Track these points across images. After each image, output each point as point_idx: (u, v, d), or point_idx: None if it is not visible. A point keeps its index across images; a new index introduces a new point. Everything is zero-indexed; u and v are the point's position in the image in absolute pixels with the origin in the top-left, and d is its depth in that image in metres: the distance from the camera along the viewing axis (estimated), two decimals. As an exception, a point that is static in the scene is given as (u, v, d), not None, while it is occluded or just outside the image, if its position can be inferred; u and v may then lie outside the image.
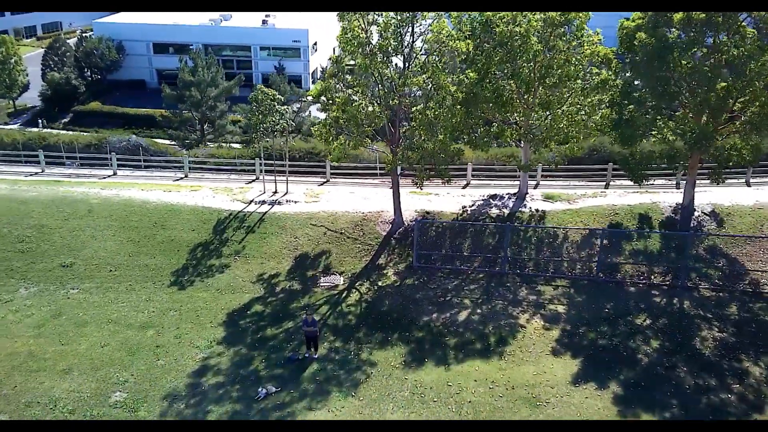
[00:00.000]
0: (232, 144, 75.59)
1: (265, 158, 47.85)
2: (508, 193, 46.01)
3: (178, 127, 78.83)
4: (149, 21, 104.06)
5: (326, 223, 42.71)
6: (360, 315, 36.04)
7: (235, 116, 77.07)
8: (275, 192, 46.04)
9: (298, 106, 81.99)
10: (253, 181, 48.83)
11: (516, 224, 42.11)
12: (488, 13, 40.18)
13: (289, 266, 39.70)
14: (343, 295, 37.79)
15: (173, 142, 77.08)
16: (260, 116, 43.23)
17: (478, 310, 36.25)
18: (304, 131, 77.37)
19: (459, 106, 39.14)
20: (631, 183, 43.05)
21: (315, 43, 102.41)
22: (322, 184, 48.62)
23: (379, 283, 38.57)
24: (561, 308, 36.39)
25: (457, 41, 37.66)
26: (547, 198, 45.04)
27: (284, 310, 36.31)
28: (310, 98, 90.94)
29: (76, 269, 38.96)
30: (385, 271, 39.50)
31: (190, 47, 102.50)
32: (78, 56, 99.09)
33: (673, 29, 38.05)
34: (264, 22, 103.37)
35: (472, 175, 49.23)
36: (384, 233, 42.11)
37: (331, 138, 40.41)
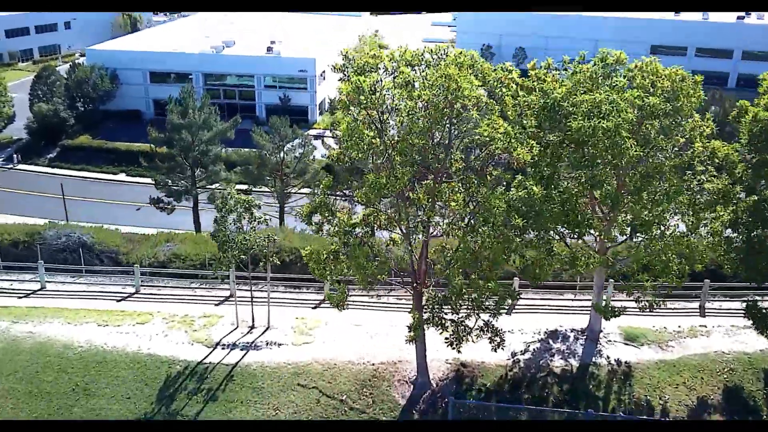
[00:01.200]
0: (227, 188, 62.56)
1: (240, 265, 32.93)
2: (572, 329, 31.02)
3: (166, 173, 64.82)
4: (146, 48, 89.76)
5: (321, 382, 27.94)
6: None
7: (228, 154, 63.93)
8: (252, 327, 31.15)
9: (301, 151, 67.64)
10: (224, 301, 33.77)
11: (596, 402, 27.25)
12: (556, 94, 25.34)
13: (264, 463, 25.11)
14: None
15: (161, 191, 63.34)
16: (226, 233, 28.36)
17: None
18: (309, 180, 63.50)
19: (516, 237, 24.35)
20: (734, 303, 28.38)
21: (323, 72, 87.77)
22: (317, 306, 33.55)
23: (396, 500, 23.94)
24: None
25: (517, 146, 22.76)
26: (629, 339, 30.07)
27: None
28: (312, 133, 76.88)
29: (-54, 474, 24.46)
30: (404, 473, 24.87)
31: (189, 76, 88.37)
32: (69, 85, 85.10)
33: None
34: (269, 49, 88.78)
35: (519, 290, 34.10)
36: (403, 400, 27.37)
37: (329, 274, 25.73)
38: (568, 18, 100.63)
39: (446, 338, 25.48)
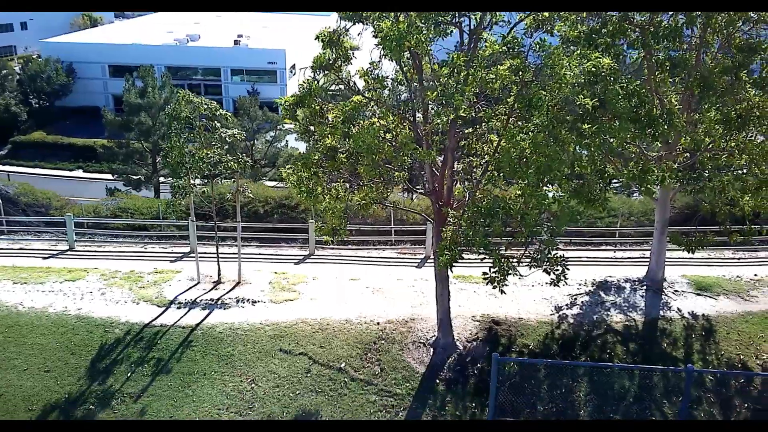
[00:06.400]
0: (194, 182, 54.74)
1: (202, 215, 25.18)
2: (627, 278, 23.66)
3: (124, 160, 56.71)
4: (105, 40, 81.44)
5: (311, 347, 20.12)
6: None
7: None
8: (218, 282, 23.25)
9: (273, 134, 60.15)
10: (184, 257, 25.97)
11: (675, 364, 19.81)
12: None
13: (236, 453, 17.14)
14: None
15: (118, 178, 55.32)
16: (179, 149, 20.53)
17: None
18: (280, 164, 55.92)
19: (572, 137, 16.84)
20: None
21: (293, 66, 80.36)
22: (300, 261, 25.76)
23: (425, 499, 16.12)
24: None
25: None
26: (701, 288, 22.86)
27: None
28: (287, 126, 69.78)
29: None
30: (431, 462, 17.06)
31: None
32: (22, 80, 76.70)
33: None
34: (236, 42, 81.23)
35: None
36: (421, 367, 19.60)
37: (319, 190, 18.10)
38: None
39: (485, 274, 17.77)
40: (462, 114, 15.01)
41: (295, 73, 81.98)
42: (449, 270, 17.03)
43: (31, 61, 78.92)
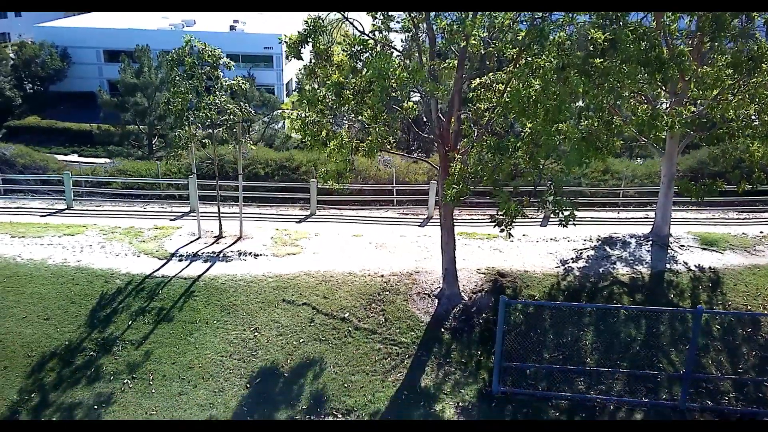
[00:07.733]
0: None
1: (202, 176, 25.02)
2: (632, 234, 23.47)
3: (119, 142, 56.68)
4: (99, 25, 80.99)
5: (314, 297, 19.87)
6: None
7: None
8: (219, 236, 22.98)
9: (269, 116, 59.83)
10: (184, 216, 25.65)
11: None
12: None
13: (239, 399, 16.87)
14: (357, 474, 15.04)
15: (113, 161, 55.05)
16: (184, 95, 20.43)
17: None
18: (277, 146, 55.70)
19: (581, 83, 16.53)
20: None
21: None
22: (302, 221, 25.49)
23: (431, 442, 15.88)
24: None
25: None
26: (707, 243, 22.67)
27: None
28: (282, 111, 69.33)
29: None
30: (438, 407, 16.79)
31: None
32: (16, 65, 76.25)
33: None
34: (232, 27, 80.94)
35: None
36: (426, 317, 19.40)
37: (323, 134, 17.84)
38: None
39: (492, 217, 17.52)
40: (473, 42, 14.78)
41: (290, 59, 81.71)
42: (455, 203, 16.77)
43: (25, 46, 78.40)
